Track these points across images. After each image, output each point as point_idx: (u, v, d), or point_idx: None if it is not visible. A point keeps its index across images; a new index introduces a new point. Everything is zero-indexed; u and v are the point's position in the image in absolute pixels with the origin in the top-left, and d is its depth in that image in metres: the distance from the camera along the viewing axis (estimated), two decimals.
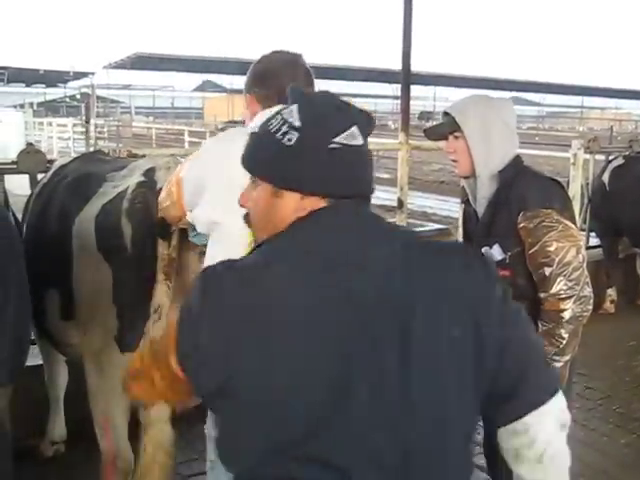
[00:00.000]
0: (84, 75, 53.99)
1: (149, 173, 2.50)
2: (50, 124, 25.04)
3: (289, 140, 1.29)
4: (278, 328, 1.19)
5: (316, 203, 1.29)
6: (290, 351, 1.18)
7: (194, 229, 2.27)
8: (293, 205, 1.30)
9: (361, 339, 1.19)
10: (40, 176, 3.42)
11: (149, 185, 2.46)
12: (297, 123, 1.30)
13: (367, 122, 1.35)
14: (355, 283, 1.22)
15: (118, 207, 2.45)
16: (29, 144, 4.14)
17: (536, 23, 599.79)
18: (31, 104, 42.37)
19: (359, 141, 1.31)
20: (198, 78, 68.39)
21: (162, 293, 2.45)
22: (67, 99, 51.74)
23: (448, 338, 1.22)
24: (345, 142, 1.28)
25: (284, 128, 1.30)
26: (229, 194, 1.63)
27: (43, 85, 58.16)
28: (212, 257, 1.98)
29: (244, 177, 1.39)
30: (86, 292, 2.52)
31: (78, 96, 46.50)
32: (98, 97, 39.02)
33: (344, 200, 1.31)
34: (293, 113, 1.31)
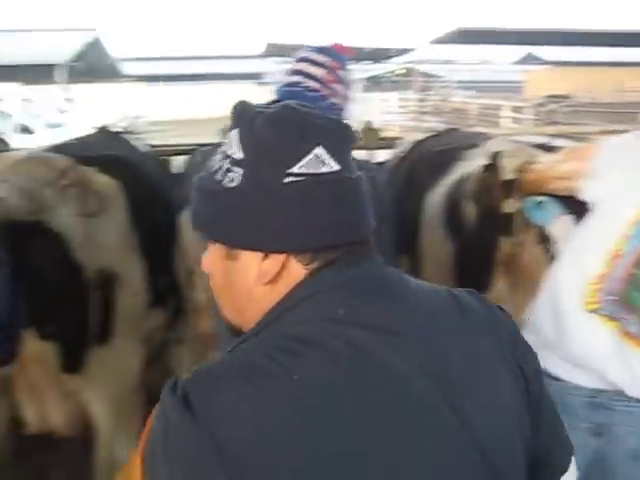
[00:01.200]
0: (407, 51, 55.67)
1: (496, 158, 2.50)
2: (375, 99, 26.45)
3: (231, 180, 0.96)
4: None
5: (285, 264, 0.97)
6: None
7: (537, 204, 2.27)
8: (254, 270, 0.98)
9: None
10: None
11: (493, 170, 2.47)
12: (239, 155, 0.97)
13: (340, 138, 0.99)
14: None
15: (463, 188, 2.53)
16: (367, 121, 4.44)
17: None
18: (360, 79, 45.00)
19: (331, 166, 0.96)
20: (520, 51, 66.45)
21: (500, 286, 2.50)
22: (390, 74, 53.87)
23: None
24: (307, 171, 0.94)
25: (225, 164, 0.98)
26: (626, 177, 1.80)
27: (370, 62, 61.29)
28: (587, 228, 1.98)
29: None
30: (430, 264, 2.66)
31: (401, 71, 48.17)
32: (420, 72, 40.06)
33: (327, 256, 0.96)
34: (233, 142, 0.99)
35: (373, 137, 4.11)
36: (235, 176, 0.96)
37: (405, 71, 41.12)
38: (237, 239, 0.97)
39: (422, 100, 28.84)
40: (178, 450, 0.86)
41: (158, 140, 5.26)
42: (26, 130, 17.74)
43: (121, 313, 2.55)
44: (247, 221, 0.95)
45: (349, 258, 0.97)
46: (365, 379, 0.89)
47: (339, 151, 0.97)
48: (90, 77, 35.62)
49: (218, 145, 1.07)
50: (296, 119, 0.97)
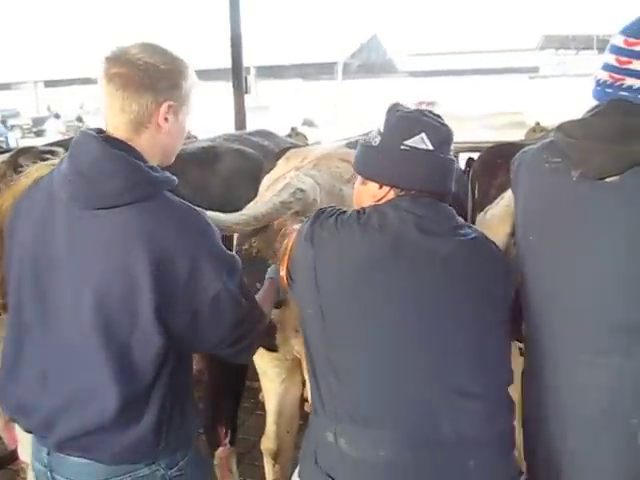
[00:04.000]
0: None
1: None
2: None
3: (375, 142, 1.75)
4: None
5: (388, 193, 1.72)
6: None
7: None
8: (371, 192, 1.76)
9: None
10: None
11: None
12: (382, 129, 1.74)
13: (439, 132, 1.67)
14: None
15: None
16: None
17: None
18: None
19: (428, 146, 1.65)
20: None
21: None
22: None
23: None
24: (413, 145, 1.65)
25: (376, 133, 1.76)
26: None
27: None
28: None
29: None
30: None
31: None
32: None
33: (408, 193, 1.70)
34: (382, 123, 1.77)
35: None
36: (378, 140, 1.73)
37: None
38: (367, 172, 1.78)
39: None
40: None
41: None
42: (311, 124, 18.84)
43: None
44: (377, 163, 1.73)
45: (417, 196, 1.68)
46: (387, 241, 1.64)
47: (436, 139, 1.66)
48: (365, 74, 37.02)
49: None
50: (419, 116, 1.70)
